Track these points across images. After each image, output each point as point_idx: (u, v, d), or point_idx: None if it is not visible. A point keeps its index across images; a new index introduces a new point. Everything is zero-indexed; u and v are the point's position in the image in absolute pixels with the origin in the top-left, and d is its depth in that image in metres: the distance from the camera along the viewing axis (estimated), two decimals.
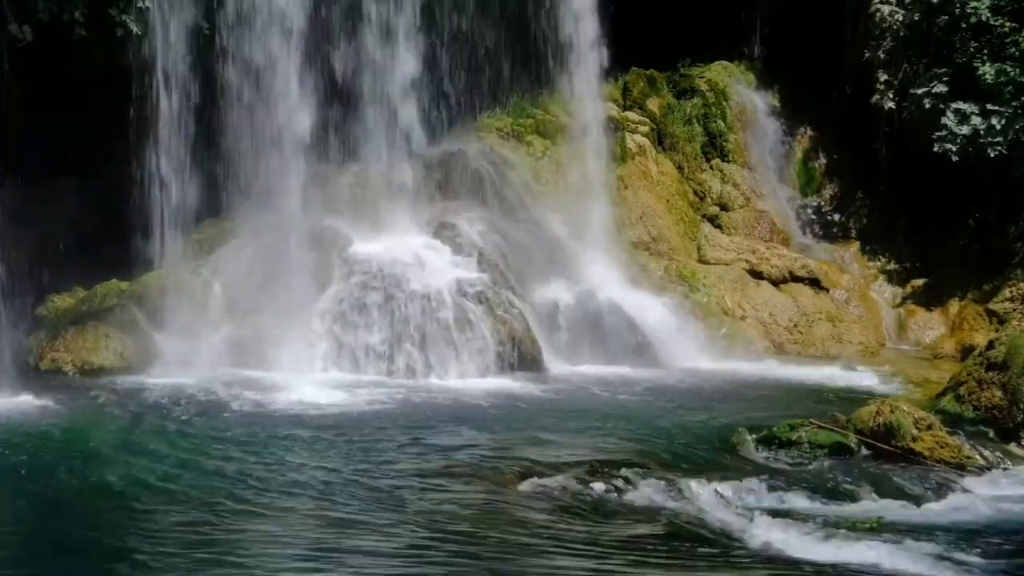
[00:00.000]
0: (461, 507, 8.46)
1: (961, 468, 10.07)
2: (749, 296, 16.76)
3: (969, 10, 16.99)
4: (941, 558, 7.67)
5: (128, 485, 8.83)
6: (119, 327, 13.59)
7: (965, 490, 9.58)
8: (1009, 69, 16.62)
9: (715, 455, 10.21)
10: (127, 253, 14.24)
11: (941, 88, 17.15)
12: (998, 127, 16.44)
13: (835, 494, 9.25)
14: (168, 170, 14.15)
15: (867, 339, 16.78)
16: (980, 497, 9.42)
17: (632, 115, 18.60)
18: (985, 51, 16.90)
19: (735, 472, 9.57)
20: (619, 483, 9.13)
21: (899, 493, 9.32)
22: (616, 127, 18.05)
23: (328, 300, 14.23)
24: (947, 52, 17.45)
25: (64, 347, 13.39)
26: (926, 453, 10.18)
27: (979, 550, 7.87)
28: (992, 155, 16.52)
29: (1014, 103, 16.54)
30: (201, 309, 14.11)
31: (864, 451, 10.31)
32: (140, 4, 13.77)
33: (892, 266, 18.55)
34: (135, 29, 13.84)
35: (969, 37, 17.07)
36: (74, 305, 14.28)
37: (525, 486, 9.04)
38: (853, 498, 9.21)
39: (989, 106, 16.55)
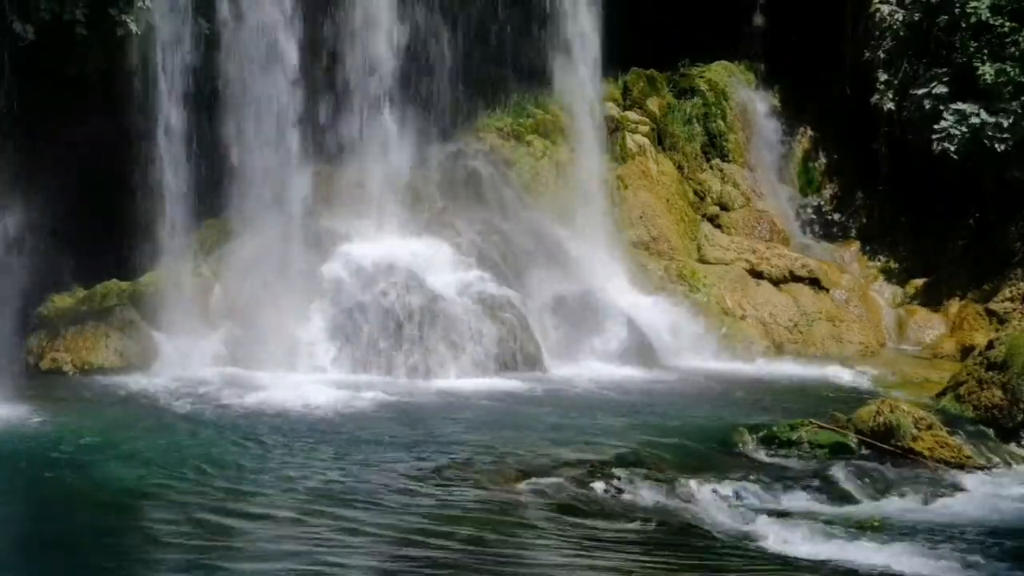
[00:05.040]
0: (461, 507, 8.46)
1: (961, 468, 10.07)
2: (749, 296, 16.76)
3: (969, 10, 17.00)
4: (941, 558, 7.67)
5: (127, 484, 8.83)
6: (119, 327, 13.60)
7: (965, 490, 9.58)
8: (1009, 69, 16.62)
9: (715, 455, 10.21)
10: (127, 253, 14.25)
11: (941, 88, 17.16)
12: (1006, 124, 16.41)
13: (835, 494, 9.25)
14: (168, 170, 14.16)
15: (867, 339, 16.77)
16: (980, 497, 9.42)
17: (632, 115, 18.59)
18: (985, 51, 16.90)
19: (735, 472, 9.56)
20: (619, 483, 9.13)
21: (899, 493, 9.33)
22: (616, 127, 18.05)
23: (328, 300, 14.22)
24: (947, 52, 17.46)
25: (64, 347, 13.40)
26: (926, 453, 10.18)
27: (979, 550, 7.87)
28: (999, 149, 16.47)
29: (1014, 103, 16.54)
30: (201, 309, 14.12)
31: (864, 451, 10.30)
32: (140, 4, 13.77)
33: (892, 266, 18.56)
34: (135, 29, 13.84)
35: (969, 37, 17.08)
36: (74, 305, 14.27)
37: (525, 486, 9.03)
38: (853, 498, 9.22)
39: (998, 104, 16.55)
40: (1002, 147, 16.49)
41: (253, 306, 13.92)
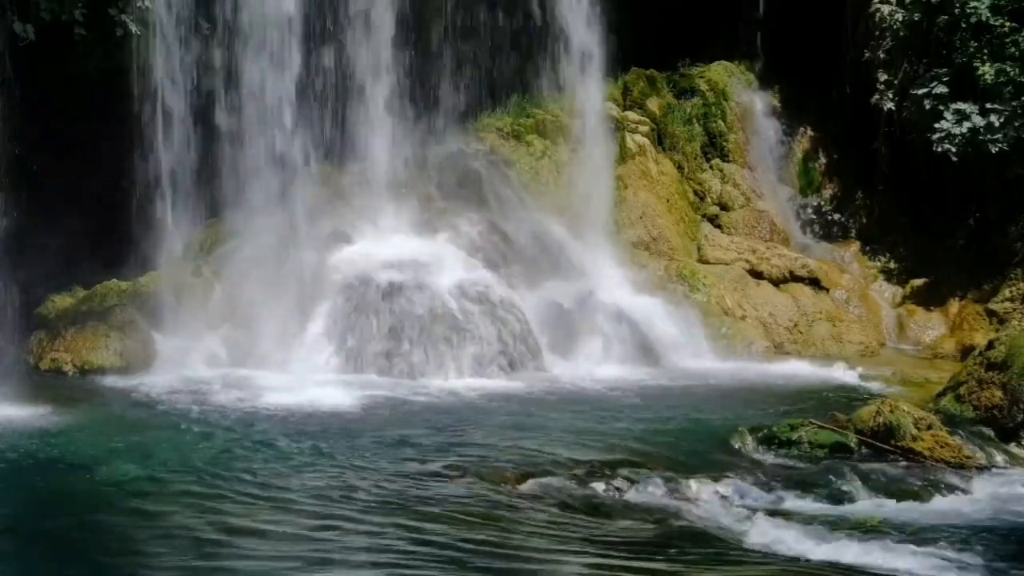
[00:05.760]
0: (461, 507, 8.46)
1: (961, 468, 10.06)
2: (749, 296, 16.75)
3: (969, 10, 16.98)
4: (941, 558, 7.67)
5: (127, 485, 8.83)
6: (119, 327, 13.60)
7: (965, 490, 9.58)
8: (1009, 69, 16.61)
9: (715, 455, 10.21)
10: (127, 253, 14.25)
11: (941, 88, 17.15)
12: (997, 124, 16.45)
13: (835, 494, 9.25)
14: (168, 170, 14.17)
15: (867, 339, 16.76)
16: (980, 497, 9.42)
17: (632, 115, 18.59)
18: (985, 51, 16.89)
19: (735, 472, 9.56)
20: (619, 483, 9.14)
21: (899, 493, 9.32)
22: (616, 127, 18.04)
23: (327, 300, 14.22)
24: (947, 52, 17.44)
25: (64, 347, 13.40)
26: (926, 453, 10.18)
27: (979, 550, 7.87)
28: (994, 151, 16.51)
29: (1014, 103, 16.54)
30: (201, 309, 14.11)
31: (864, 451, 10.31)
32: (140, 4, 13.77)
33: (892, 266, 18.55)
34: (135, 29, 13.85)
35: (969, 37, 17.06)
36: (74, 305, 14.28)
37: (525, 486, 9.04)
38: (853, 498, 9.22)
39: (988, 105, 16.56)
40: (996, 148, 16.49)
41: (253, 306, 13.91)
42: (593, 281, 15.68)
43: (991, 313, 16.65)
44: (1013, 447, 10.76)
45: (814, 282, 17.27)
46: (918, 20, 17.90)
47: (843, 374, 14.52)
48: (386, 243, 15.11)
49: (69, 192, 14.50)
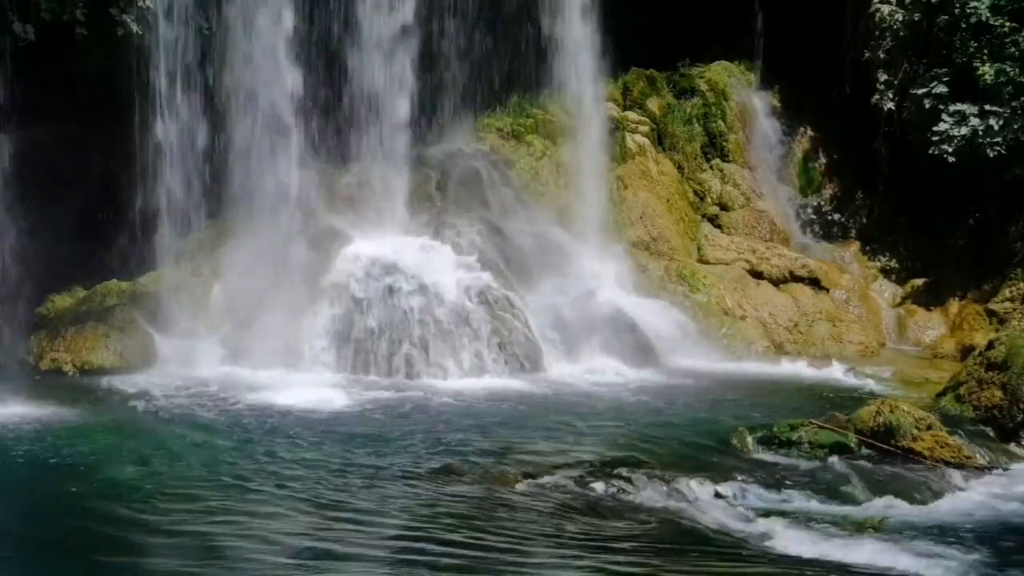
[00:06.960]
0: (461, 507, 8.46)
1: (961, 468, 10.07)
2: (749, 296, 16.75)
3: (969, 10, 16.99)
4: (941, 558, 7.68)
5: (127, 485, 8.84)
6: (119, 327, 13.60)
7: (965, 490, 9.58)
8: (1009, 69, 16.61)
9: (715, 455, 10.21)
10: (127, 253, 14.26)
11: (941, 88, 17.15)
12: (996, 127, 16.45)
13: (835, 494, 9.26)
14: (168, 170, 14.17)
15: (867, 339, 16.77)
16: (980, 497, 9.43)
17: (632, 115, 18.58)
18: (985, 51, 16.89)
19: (735, 472, 9.57)
20: (619, 483, 9.14)
21: (899, 493, 9.33)
22: (616, 127, 18.04)
23: (327, 300, 14.22)
24: (947, 52, 17.44)
25: (64, 347, 13.40)
26: (926, 453, 10.18)
27: (979, 550, 7.88)
28: (991, 155, 16.53)
29: (1013, 103, 16.54)
30: (201, 309, 14.12)
31: (864, 451, 10.31)
32: (141, 4, 13.78)
33: (892, 266, 18.55)
34: (135, 29, 13.85)
35: (969, 37, 17.07)
36: (74, 305, 14.28)
37: (525, 486, 9.04)
38: (853, 498, 9.22)
39: (987, 107, 16.56)
40: (994, 152, 16.49)
41: (253, 306, 13.92)
42: (593, 281, 15.67)
43: (991, 313, 16.65)
44: (1013, 447, 10.77)
45: (814, 282, 17.28)
46: (918, 20, 17.90)
47: (843, 374, 14.52)
48: (386, 243, 15.10)
49: (69, 192, 14.50)
